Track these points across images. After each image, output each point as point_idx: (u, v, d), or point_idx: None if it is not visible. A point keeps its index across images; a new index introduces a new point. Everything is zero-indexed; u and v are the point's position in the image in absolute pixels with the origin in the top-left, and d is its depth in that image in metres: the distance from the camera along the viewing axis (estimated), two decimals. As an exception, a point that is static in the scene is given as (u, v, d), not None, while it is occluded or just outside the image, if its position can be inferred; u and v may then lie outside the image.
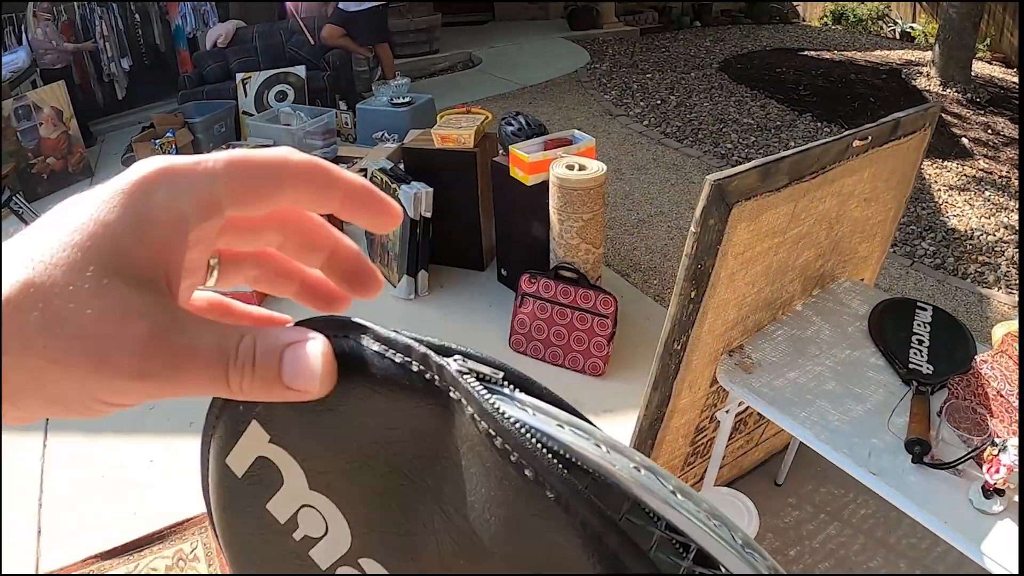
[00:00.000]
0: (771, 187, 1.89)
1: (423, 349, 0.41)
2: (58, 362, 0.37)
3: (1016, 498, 1.71)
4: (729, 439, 2.49)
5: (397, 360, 0.41)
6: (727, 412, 2.36)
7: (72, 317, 0.37)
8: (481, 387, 0.39)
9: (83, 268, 0.37)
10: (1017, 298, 4.94)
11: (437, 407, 0.40)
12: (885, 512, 3.01)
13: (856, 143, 2.12)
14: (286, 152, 0.44)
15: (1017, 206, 6.23)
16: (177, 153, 6.53)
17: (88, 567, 3.25)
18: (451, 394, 0.39)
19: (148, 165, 0.40)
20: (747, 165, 1.80)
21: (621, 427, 3.57)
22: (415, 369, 0.40)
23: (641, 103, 8.89)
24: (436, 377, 0.40)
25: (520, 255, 4.47)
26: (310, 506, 0.46)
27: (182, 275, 0.41)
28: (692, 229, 1.78)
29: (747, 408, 2.38)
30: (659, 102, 8.90)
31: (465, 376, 0.39)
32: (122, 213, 0.39)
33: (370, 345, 0.41)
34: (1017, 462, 1.67)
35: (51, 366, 0.37)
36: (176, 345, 0.38)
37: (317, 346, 0.40)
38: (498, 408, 0.37)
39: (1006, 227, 5.87)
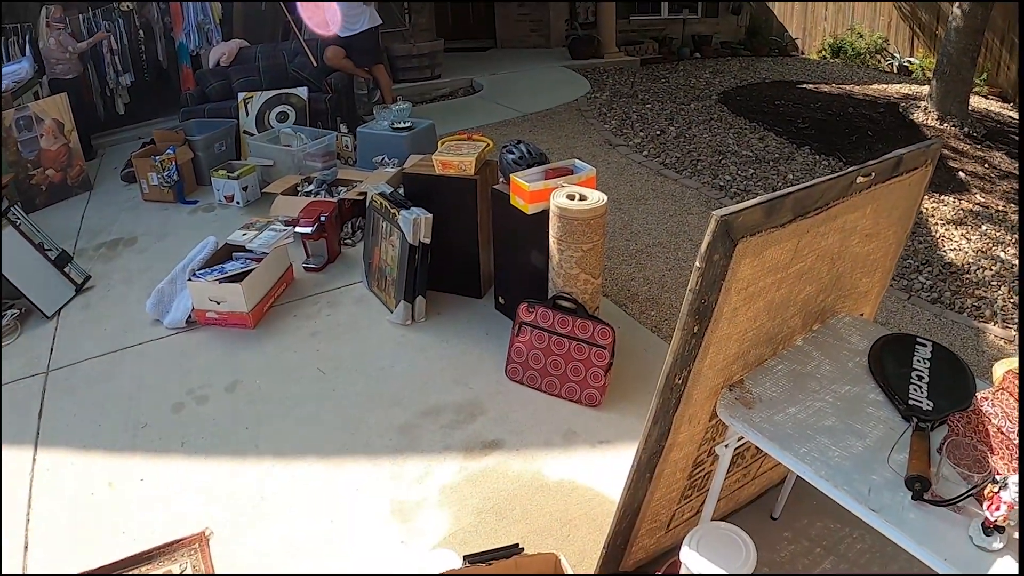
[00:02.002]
0: (775, 223, 1.89)
1: None
2: None
3: (1016, 535, 1.70)
4: (727, 473, 2.48)
5: None
6: (726, 446, 2.35)
7: None
8: None
9: None
10: (1015, 332, 4.94)
11: None
12: (881, 547, 3.00)
13: (859, 179, 2.13)
14: None
15: (1015, 239, 6.25)
16: (177, 171, 6.59)
17: (76, 586, 3.23)
18: None
19: None
20: (752, 201, 1.80)
21: (617, 458, 3.57)
22: None
23: (641, 133, 8.92)
24: None
25: (518, 283, 4.47)
26: None
27: None
28: (697, 264, 1.79)
29: (745, 442, 2.37)
30: (659, 132, 8.94)
31: None
32: None
33: None
34: (1018, 499, 1.67)
35: None
36: None
37: None
38: None
39: (1002, 261, 5.88)
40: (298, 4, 9.43)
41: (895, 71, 13.97)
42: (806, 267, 2.19)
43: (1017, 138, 9.34)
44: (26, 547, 3.45)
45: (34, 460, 4.05)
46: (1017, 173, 7.91)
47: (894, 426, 2.06)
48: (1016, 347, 4.79)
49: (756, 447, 2.22)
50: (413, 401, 4.14)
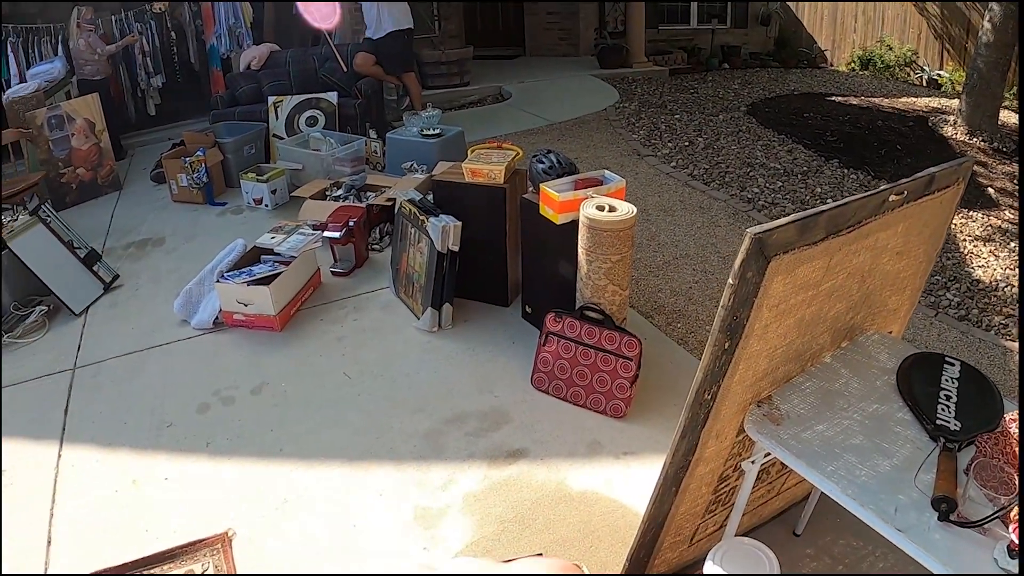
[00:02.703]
0: (808, 241, 1.89)
1: None
2: None
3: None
4: (752, 488, 2.48)
5: None
6: (752, 462, 2.35)
7: None
8: None
9: None
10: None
11: None
12: (903, 566, 2.99)
13: (892, 197, 2.12)
14: None
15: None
16: (207, 173, 6.63)
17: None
18: None
19: None
20: (786, 219, 1.81)
21: (641, 470, 3.56)
22: None
23: (669, 144, 8.91)
24: None
25: (546, 293, 4.47)
26: None
27: None
28: (730, 281, 1.79)
29: (772, 458, 2.37)
30: (687, 143, 8.93)
31: None
32: None
33: None
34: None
35: None
36: None
37: None
38: None
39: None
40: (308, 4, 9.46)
41: (924, 84, 13.90)
42: (837, 284, 2.19)
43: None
44: (49, 543, 3.47)
45: (59, 456, 4.07)
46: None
47: (921, 446, 2.05)
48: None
49: (781, 463, 2.22)
50: (438, 408, 4.14)
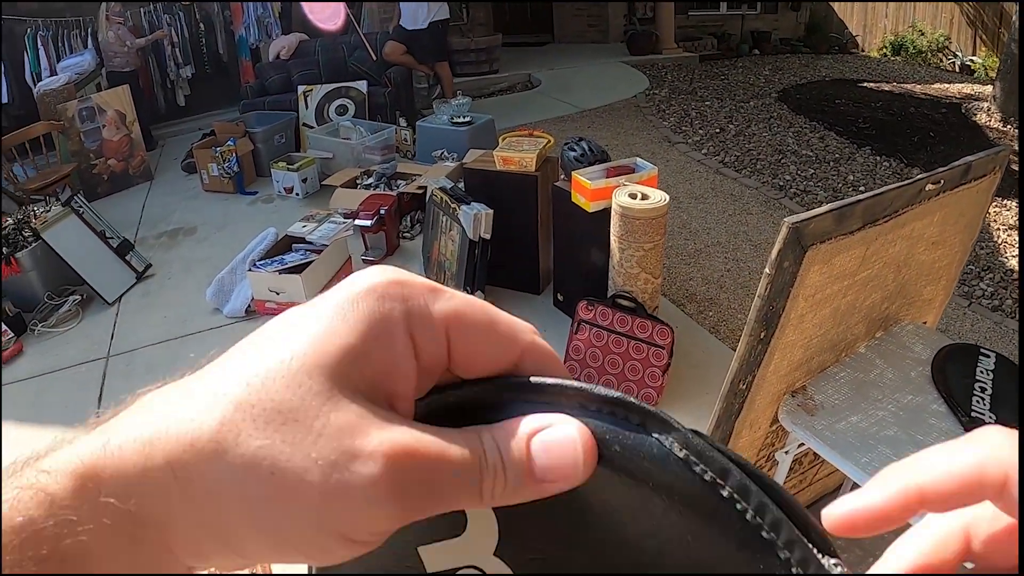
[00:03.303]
0: (845, 230, 1.88)
1: (741, 477, 0.34)
2: (288, 490, 0.33)
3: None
4: (784, 479, 2.47)
5: (707, 479, 0.34)
6: (786, 453, 2.35)
7: (304, 436, 0.33)
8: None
9: (308, 384, 0.34)
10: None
11: (745, 552, 0.33)
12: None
13: (929, 187, 2.11)
14: (528, 331, 0.41)
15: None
16: (237, 162, 6.65)
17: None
18: (779, 552, 0.33)
19: (378, 275, 0.38)
20: (823, 208, 1.80)
21: (673, 459, 3.55)
22: (725, 495, 0.33)
23: (700, 131, 8.88)
24: (757, 518, 0.33)
25: (577, 281, 4.47)
26: None
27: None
28: (766, 271, 1.78)
29: (805, 449, 2.36)
30: (718, 130, 8.89)
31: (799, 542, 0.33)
32: (349, 325, 0.36)
33: (674, 451, 0.34)
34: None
35: (279, 496, 0.33)
36: (423, 451, 0.35)
37: (566, 431, 0.36)
38: None
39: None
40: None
41: (957, 70, 13.75)
42: (873, 274, 2.17)
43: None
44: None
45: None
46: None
47: (956, 437, 2.04)
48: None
49: (814, 453, 2.21)
50: (470, 396, 4.15)
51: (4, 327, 5.07)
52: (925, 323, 2.77)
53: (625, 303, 3.90)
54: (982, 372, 2.27)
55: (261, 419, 0.33)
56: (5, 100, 9.12)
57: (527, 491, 0.36)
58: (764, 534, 0.33)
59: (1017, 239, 6.28)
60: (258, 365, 0.35)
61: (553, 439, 0.35)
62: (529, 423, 0.36)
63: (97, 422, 0.37)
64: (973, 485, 0.34)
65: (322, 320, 0.36)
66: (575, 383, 0.37)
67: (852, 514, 0.36)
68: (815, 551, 0.33)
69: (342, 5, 8.95)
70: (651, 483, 0.34)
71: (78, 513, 0.32)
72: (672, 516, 0.34)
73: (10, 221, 5.69)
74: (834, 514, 0.37)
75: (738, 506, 0.33)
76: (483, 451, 0.35)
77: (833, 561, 0.33)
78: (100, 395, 4.57)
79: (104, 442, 0.35)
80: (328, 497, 0.33)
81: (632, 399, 0.36)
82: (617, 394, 0.36)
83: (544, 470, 0.35)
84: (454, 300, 0.38)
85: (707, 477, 0.33)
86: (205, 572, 0.36)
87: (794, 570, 0.32)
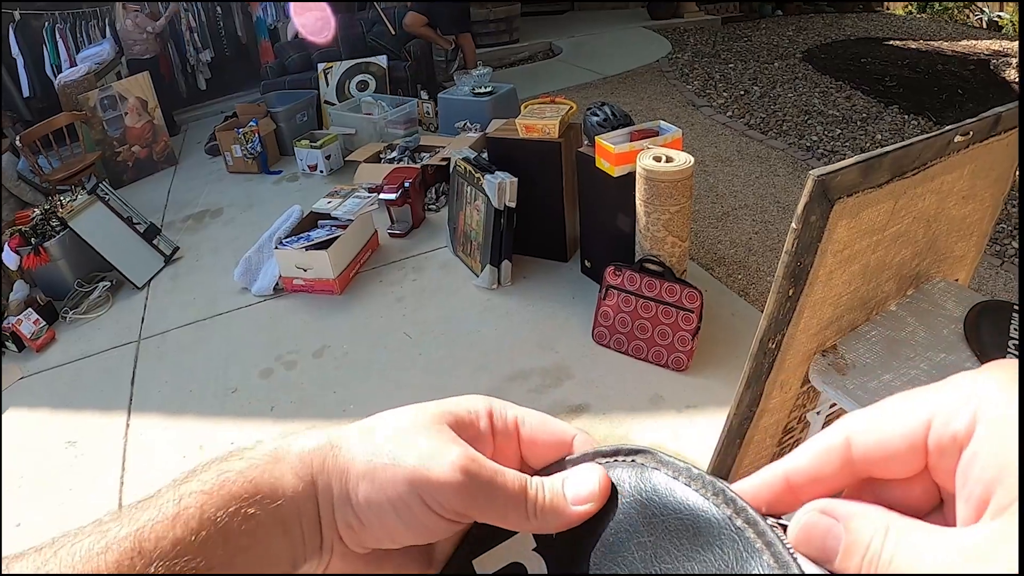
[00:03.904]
0: (873, 183, 1.85)
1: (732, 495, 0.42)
2: (397, 461, 0.48)
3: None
4: (817, 439, 2.44)
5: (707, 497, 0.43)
6: (818, 413, 2.32)
7: (416, 436, 0.49)
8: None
9: (426, 419, 0.50)
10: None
11: (732, 552, 0.40)
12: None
13: (957, 139, 2.06)
14: (576, 432, 0.53)
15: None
16: (260, 142, 6.67)
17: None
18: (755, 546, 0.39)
19: (474, 396, 0.55)
20: (849, 160, 1.76)
21: (703, 424, 3.54)
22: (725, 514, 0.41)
23: (724, 94, 8.80)
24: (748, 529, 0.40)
25: (604, 247, 4.44)
26: None
27: None
28: (793, 226, 1.75)
29: (836, 409, 2.33)
30: (742, 93, 8.80)
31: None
32: (453, 413, 0.52)
33: (669, 477, 0.45)
34: None
35: (389, 464, 0.48)
36: (489, 466, 0.48)
37: (590, 470, 0.48)
38: None
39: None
40: None
41: (984, 26, 13.55)
42: (902, 229, 2.14)
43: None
44: (120, 507, 3.53)
45: (127, 425, 4.15)
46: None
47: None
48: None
49: (846, 414, 2.17)
50: (499, 365, 4.15)
51: (36, 316, 5.12)
52: (957, 280, 2.73)
53: (653, 267, 3.88)
54: (1015, 330, 2.23)
55: (391, 426, 0.51)
56: (27, 94, 9.19)
57: (561, 511, 0.48)
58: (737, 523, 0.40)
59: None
60: (395, 413, 0.52)
61: (580, 476, 0.49)
62: (564, 472, 0.50)
63: (280, 436, 0.53)
64: (841, 460, 0.40)
65: (437, 403, 0.53)
66: (591, 449, 0.51)
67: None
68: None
69: (330, 16, 8.91)
70: (643, 499, 0.46)
71: (268, 475, 0.48)
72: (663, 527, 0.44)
73: (37, 212, 5.74)
74: None
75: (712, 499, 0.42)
76: (530, 480, 0.49)
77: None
78: (133, 378, 4.61)
79: (288, 442, 0.52)
80: (419, 468, 0.47)
81: (626, 445, 0.49)
82: (613, 445, 0.49)
83: (574, 496, 0.48)
84: (521, 410, 0.54)
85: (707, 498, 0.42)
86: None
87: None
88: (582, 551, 0.48)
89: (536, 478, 0.49)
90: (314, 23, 9.12)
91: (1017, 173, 2.45)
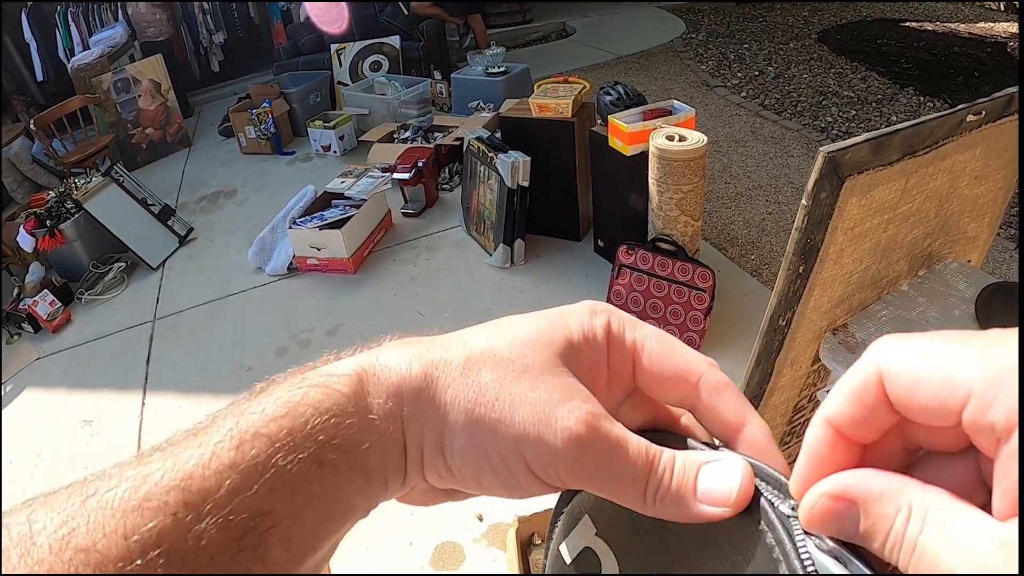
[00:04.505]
0: (884, 161, 1.85)
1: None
2: (504, 417, 0.42)
3: None
4: (828, 419, 2.45)
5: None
6: (827, 392, 2.32)
7: (527, 382, 0.43)
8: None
9: (540, 352, 0.44)
10: None
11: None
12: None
13: (970, 118, 2.06)
14: (706, 367, 0.47)
15: None
16: (274, 123, 6.67)
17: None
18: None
19: (591, 303, 0.49)
20: (860, 137, 1.76)
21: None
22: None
23: (739, 74, 8.76)
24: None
25: (617, 226, 4.45)
26: None
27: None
28: (803, 202, 1.75)
29: (848, 387, 2.33)
30: (757, 73, 8.77)
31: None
32: (569, 327, 0.47)
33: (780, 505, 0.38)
34: None
35: (494, 416, 0.42)
36: (611, 434, 0.42)
37: (736, 468, 0.40)
38: None
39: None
40: None
41: (1001, 8, 13.43)
42: (914, 208, 2.14)
43: None
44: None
45: (143, 404, 4.18)
46: None
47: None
48: None
49: (858, 393, 2.16)
50: (512, 344, 4.16)
51: (52, 297, 5.15)
52: (969, 262, 2.73)
53: (666, 246, 3.88)
54: (1025, 317, 2.23)
55: (499, 363, 0.43)
56: (40, 77, 9.21)
57: (684, 504, 0.41)
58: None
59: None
60: (503, 330, 0.47)
61: (720, 468, 0.41)
62: (706, 455, 0.42)
63: (364, 346, 0.48)
64: (878, 399, 0.36)
65: (552, 318, 0.47)
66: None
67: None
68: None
69: (344, 6, 8.89)
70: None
71: (352, 408, 0.42)
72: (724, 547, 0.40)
73: (52, 194, 5.77)
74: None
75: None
76: (659, 457, 0.42)
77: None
78: (148, 357, 4.64)
79: (374, 358, 0.45)
80: (528, 429, 0.41)
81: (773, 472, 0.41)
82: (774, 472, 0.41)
83: (704, 491, 0.40)
84: (645, 330, 0.48)
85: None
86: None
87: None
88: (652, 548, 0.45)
89: (667, 453, 0.42)
90: (328, 12, 9.11)
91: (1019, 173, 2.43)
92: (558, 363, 0.44)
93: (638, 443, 0.42)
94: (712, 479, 0.40)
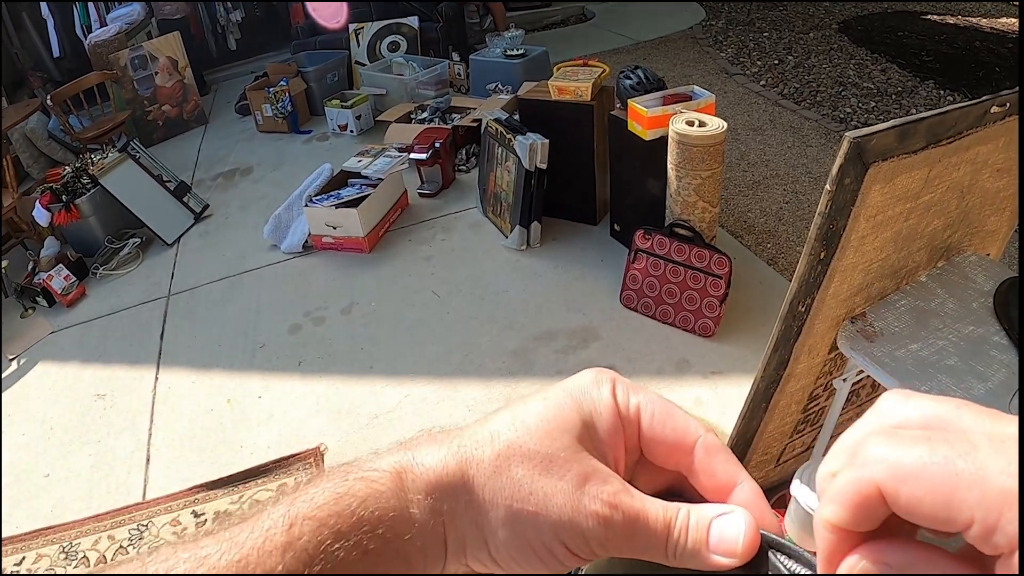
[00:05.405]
0: (908, 149, 1.84)
1: None
2: (541, 510, 0.46)
3: None
4: (841, 410, 2.45)
5: None
6: (844, 380, 2.32)
7: (555, 473, 0.47)
8: None
9: (560, 439, 0.48)
10: None
11: None
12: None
13: (995, 109, 2.05)
14: (702, 431, 0.51)
15: None
16: (291, 102, 6.68)
17: (193, 495, 3.35)
18: None
19: (596, 372, 0.53)
20: (885, 124, 1.76)
21: (729, 390, 3.55)
22: None
23: (758, 62, 8.72)
24: None
25: (634, 210, 4.44)
26: None
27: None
28: (827, 187, 1.75)
29: (862, 379, 2.33)
30: (776, 62, 8.72)
31: None
32: (583, 408, 0.50)
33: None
34: None
35: (532, 509, 0.46)
36: (632, 508, 0.47)
37: (742, 519, 0.46)
38: None
39: None
40: None
41: (1025, 3, 13.34)
42: (935, 199, 2.13)
43: None
44: (148, 461, 3.59)
45: (156, 379, 4.20)
46: None
47: (1016, 371, 2.00)
48: None
49: (872, 385, 2.18)
50: (527, 325, 4.17)
51: (67, 272, 5.17)
52: (988, 255, 2.72)
53: (683, 232, 3.87)
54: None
55: (526, 456, 0.48)
56: (57, 54, 9.22)
57: (700, 557, 0.46)
58: None
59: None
60: (523, 420, 0.49)
61: (728, 521, 0.46)
62: (718, 508, 0.48)
63: (401, 444, 0.51)
64: (878, 512, 0.37)
65: (563, 400, 0.51)
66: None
67: None
68: None
69: (344, 4, 8.86)
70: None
71: (394, 501, 0.46)
72: None
73: (68, 170, 5.79)
74: None
75: None
76: (675, 519, 0.47)
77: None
78: (162, 332, 4.66)
79: (410, 457, 0.49)
80: (563, 518, 0.46)
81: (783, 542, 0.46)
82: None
83: (716, 543, 0.46)
84: (645, 395, 0.52)
85: None
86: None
87: None
88: None
89: (683, 511, 0.48)
90: (326, 8, 9.08)
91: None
92: (578, 448, 0.48)
93: (655, 510, 0.47)
94: (722, 531, 0.46)
